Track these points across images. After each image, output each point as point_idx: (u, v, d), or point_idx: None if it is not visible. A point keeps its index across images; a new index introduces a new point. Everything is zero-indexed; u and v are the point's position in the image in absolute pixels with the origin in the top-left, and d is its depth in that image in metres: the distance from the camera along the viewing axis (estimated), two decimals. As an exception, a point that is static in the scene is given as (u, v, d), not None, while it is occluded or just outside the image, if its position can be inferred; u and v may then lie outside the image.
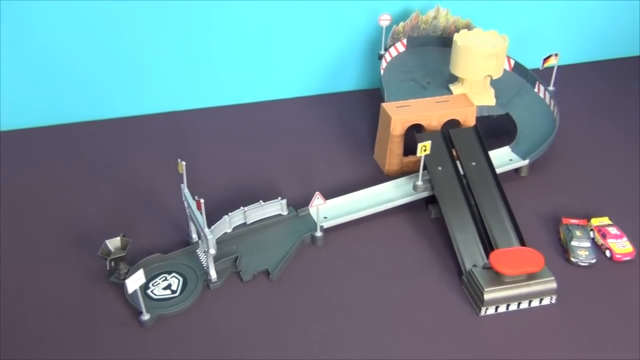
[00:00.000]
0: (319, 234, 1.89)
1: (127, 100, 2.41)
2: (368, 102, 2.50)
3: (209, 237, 1.66)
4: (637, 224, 1.94)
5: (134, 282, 1.56)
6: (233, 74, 2.47)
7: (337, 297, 1.74)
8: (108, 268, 1.71)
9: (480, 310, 1.67)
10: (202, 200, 1.64)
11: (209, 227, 1.70)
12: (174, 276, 1.77)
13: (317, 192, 1.83)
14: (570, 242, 1.83)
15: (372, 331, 1.65)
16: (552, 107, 2.24)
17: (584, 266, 1.80)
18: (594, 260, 1.80)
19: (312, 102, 2.54)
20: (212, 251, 1.69)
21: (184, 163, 1.73)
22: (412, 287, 1.77)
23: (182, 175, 1.75)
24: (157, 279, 1.76)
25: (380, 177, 2.14)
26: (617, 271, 1.81)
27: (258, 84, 2.51)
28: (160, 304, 1.69)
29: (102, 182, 2.13)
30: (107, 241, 1.73)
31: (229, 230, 1.89)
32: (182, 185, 1.78)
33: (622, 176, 2.16)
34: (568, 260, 1.82)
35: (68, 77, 2.31)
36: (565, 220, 1.91)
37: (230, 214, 1.87)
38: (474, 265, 1.75)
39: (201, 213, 1.67)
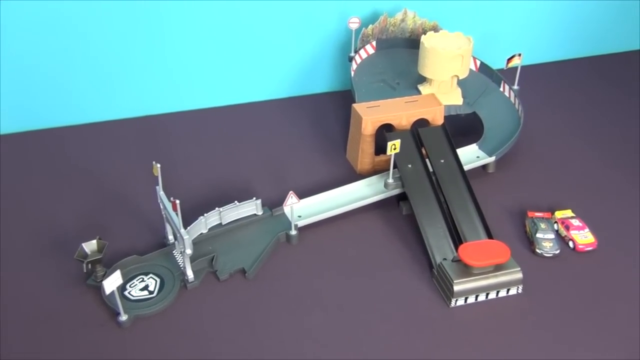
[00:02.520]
0: (293, 232, 1.93)
1: (100, 105, 2.42)
2: (340, 104, 2.55)
3: (185, 237, 1.69)
4: (598, 215, 2.02)
5: (111, 283, 1.58)
6: (206, 77, 2.50)
7: (312, 293, 1.79)
8: (85, 271, 1.73)
9: (450, 301, 1.73)
10: (177, 201, 1.67)
11: (184, 228, 1.73)
12: (151, 277, 1.80)
13: (291, 192, 1.87)
14: (535, 234, 1.90)
15: (347, 325, 1.70)
16: (516, 106, 2.31)
17: (549, 257, 1.88)
18: (557, 251, 1.88)
19: (285, 105, 2.58)
20: (189, 251, 1.71)
21: (158, 165, 1.75)
22: (385, 282, 1.82)
23: (157, 177, 1.78)
24: (135, 280, 1.78)
25: (352, 176, 2.18)
26: (580, 261, 1.88)
27: (231, 87, 2.55)
28: (138, 305, 1.72)
29: (78, 187, 2.14)
30: (83, 244, 1.75)
31: (204, 231, 1.92)
32: (157, 187, 1.81)
33: (583, 170, 2.24)
34: (533, 252, 1.89)
35: (40, 83, 2.32)
36: (530, 214, 1.98)
37: (205, 214, 1.90)
38: (444, 259, 1.81)
39: (177, 214, 1.69)
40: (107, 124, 2.44)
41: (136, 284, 1.77)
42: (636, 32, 2.90)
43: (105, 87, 2.40)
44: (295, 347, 1.64)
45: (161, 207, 1.83)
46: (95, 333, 1.66)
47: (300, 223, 1.96)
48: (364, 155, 2.18)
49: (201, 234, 1.91)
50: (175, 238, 1.81)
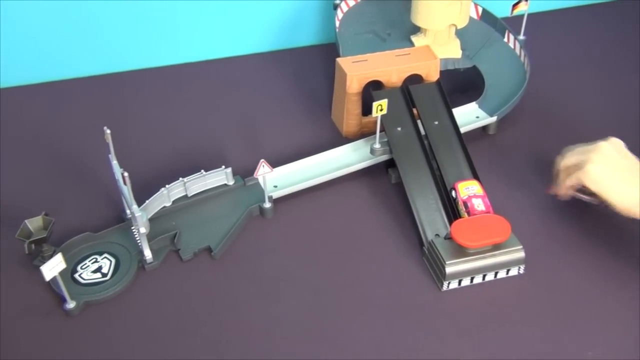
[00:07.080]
0: (267, 205, 1.72)
1: (55, 62, 2.18)
2: (329, 58, 2.28)
3: (137, 214, 1.48)
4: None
5: (52, 268, 1.38)
6: (177, 30, 2.25)
7: (286, 274, 1.59)
8: (27, 252, 1.53)
9: (442, 284, 1.53)
10: (126, 174, 1.45)
11: (145, 201, 1.52)
12: (105, 257, 1.60)
13: (262, 160, 1.65)
14: None
15: (326, 310, 1.50)
16: (522, 58, 2.07)
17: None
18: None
19: (265, 60, 2.34)
20: (143, 230, 1.51)
21: (108, 131, 1.53)
22: (370, 260, 1.62)
23: (108, 145, 1.56)
24: (87, 261, 1.59)
25: (338, 139, 1.96)
26: (587, 230, 1.66)
27: (205, 40, 2.29)
28: (88, 289, 1.52)
29: (28, 155, 1.92)
30: (26, 221, 1.55)
31: (168, 204, 1.71)
32: (109, 156, 1.59)
33: (594, 130, 2.00)
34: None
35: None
36: None
37: (168, 186, 1.69)
38: (436, 235, 1.60)
39: (128, 188, 1.48)
40: (61, 83, 2.19)
41: (88, 265, 1.58)
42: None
43: (60, 42, 2.15)
44: (266, 338, 1.45)
45: (116, 178, 1.62)
46: (39, 323, 1.48)
47: (276, 194, 1.75)
48: (350, 117, 1.94)
49: (164, 207, 1.71)
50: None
